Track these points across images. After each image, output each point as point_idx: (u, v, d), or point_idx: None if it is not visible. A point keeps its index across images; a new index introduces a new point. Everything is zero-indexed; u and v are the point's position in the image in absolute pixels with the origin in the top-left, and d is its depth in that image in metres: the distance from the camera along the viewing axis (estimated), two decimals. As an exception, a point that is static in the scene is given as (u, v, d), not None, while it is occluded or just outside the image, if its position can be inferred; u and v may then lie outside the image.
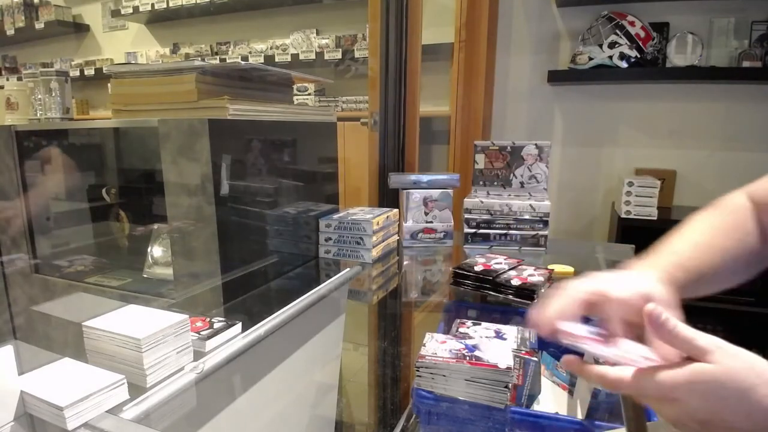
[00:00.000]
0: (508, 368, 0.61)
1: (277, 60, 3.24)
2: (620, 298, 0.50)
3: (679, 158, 2.31)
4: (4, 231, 1.37)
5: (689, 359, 0.42)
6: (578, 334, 0.49)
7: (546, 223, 1.40)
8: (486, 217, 1.44)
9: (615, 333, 0.50)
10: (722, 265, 0.59)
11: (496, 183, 1.51)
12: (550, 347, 0.89)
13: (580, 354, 0.50)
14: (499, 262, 1.13)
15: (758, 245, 0.61)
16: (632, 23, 2.13)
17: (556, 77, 2.36)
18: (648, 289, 0.50)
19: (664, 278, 0.54)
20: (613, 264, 1.36)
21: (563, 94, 2.48)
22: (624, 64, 2.15)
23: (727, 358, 0.40)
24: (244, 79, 1.16)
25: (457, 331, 0.82)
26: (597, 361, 0.49)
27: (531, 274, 1.05)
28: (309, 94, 3.18)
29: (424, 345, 0.66)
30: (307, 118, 1.32)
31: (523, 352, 0.73)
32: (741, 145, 2.21)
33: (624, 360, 0.45)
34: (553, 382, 0.81)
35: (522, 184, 1.50)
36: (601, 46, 2.17)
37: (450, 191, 1.50)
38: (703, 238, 0.61)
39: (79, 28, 4.16)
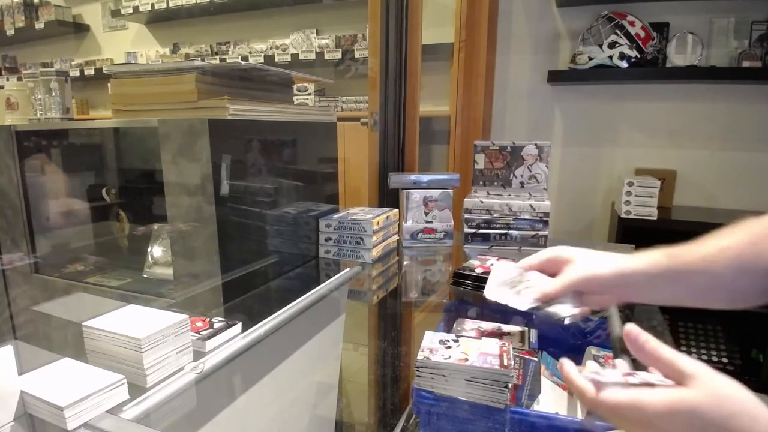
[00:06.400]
0: (507, 366, 0.61)
1: (277, 60, 3.24)
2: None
3: (679, 158, 2.31)
4: (4, 231, 1.37)
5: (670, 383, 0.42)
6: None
7: (546, 223, 1.40)
8: (486, 217, 1.44)
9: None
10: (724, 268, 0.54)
11: (496, 183, 1.51)
12: (550, 347, 0.88)
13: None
14: (494, 263, 1.13)
15: None
16: (632, 23, 2.13)
17: (556, 77, 2.36)
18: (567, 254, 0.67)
19: (641, 260, 0.59)
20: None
21: (563, 94, 2.48)
22: (624, 64, 2.15)
23: (708, 385, 0.40)
24: (244, 79, 1.16)
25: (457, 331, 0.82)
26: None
27: (531, 274, 1.05)
28: (309, 94, 3.18)
29: (422, 349, 0.66)
30: (307, 118, 1.32)
31: (523, 352, 0.73)
32: (741, 145, 2.21)
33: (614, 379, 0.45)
34: (553, 382, 0.81)
35: (522, 184, 1.50)
36: (601, 46, 2.17)
37: (450, 191, 1.50)
38: (716, 239, 0.56)
39: (79, 28, 4.16)
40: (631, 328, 0.44)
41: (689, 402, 0.40)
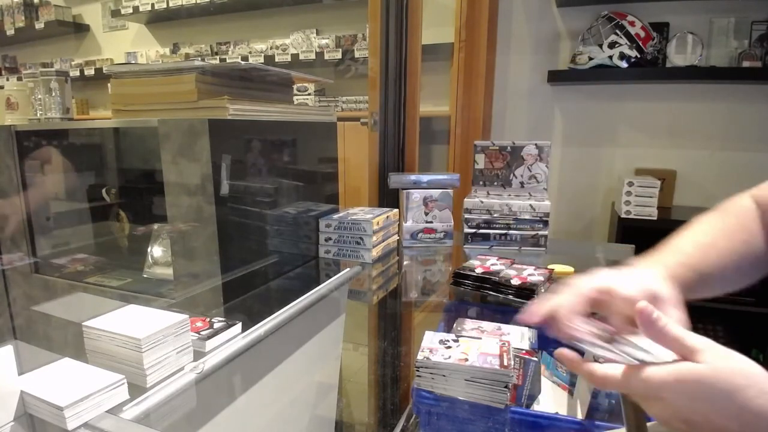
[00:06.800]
0: (507, 366, 0.61)
1: (277, 60, 3.24)
2: (626, 296, 0.49)
3: (679, 158, 2.31)
4: (4, 231, 1.37)
5: (680, 359, 0.42)
6: (580, 330, 0.50)
7: (546, 223, 1.40)
8: (486, 217, 1.44)
9: (618, 330, 0.50)
10: (727, 265, 0.59)
11: (496, 183, 1.51)
12: (550, 347, 0.89)
13: (580, 352, 0.50)
14: (494, 263, 1.13)
15: (764, 248, 0.61)
16: (632, 23, 2.13)
17: (556, 77, 2.36)
18: (654, 286, 0.50)
19: (669, 276, 0.54)
20: (613, 264, 1.35)
21: (563, 94, 2.48)
22: (624, 64, 2.15)
23: (716, 359, 0.40)
24: (244, 79, 1.16)
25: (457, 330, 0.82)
26: (596, 359, 0.49)
27: (531, 274, 1.05)
28: (309, 94, 3.18)
29: (422, 349, 0.66)
30: (307, 118, 1.32)
31: (523, 352, 0.73)
32: (741, 145, 2.21)
33: (618, 358, 0.46)
34: (553, 382, 0.81)
35: (522, 184, 1.50)
36: (601, 46, 2.17)
37: (450, 191, 1.50)
38: (706, 239, 0.61)
39: (79, 28, 4.16)
40: (645, 305, 0.43)
41: (695, 373, 0.40)
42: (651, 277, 0.53)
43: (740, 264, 0.59)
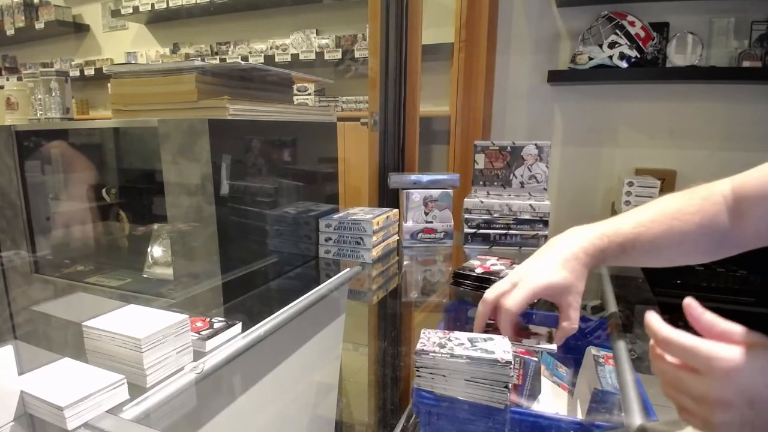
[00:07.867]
0: (508, 362, 0.61)
1: (277, 60, 3.24)
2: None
3: (679, 158, 2.31)
4: (4, 231, 1.37)
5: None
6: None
7: (546, 223, 1.40)
8: (486, 217, 1.44)
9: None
10: (669, 242, 0.67)
11: (496, 183, 1.51)
12: (550, 347, 0.88)
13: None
14: (494, 263, 1.13)
15: (722, 230, 0.66)
16: (632, 23, 2.13)
17: (556, 77, 2.36)
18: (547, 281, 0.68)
19: (578, 253, 0.70)
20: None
21: (563, 94, 2.48)
22: (624, 64, 2.15)
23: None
24: (244, 79, 1.16)
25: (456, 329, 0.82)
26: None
27: (531, 274, 1.05)
28: (309, 94, 3.18)
29: (423, 349, 0.66)
30: (307, 118, 1.32)
31: (523, 352, 0.73)
32: (741, 145, 2.21)
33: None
34: (553, 382, 0.81)
35: (522, 184, 1.50)
36: (601, 46, 2.17)
37: (450, 191, 1.50)
38: (647, 214, 0.70)
39: (79, 28, 4.16)
40: (690, 301, 0.47)
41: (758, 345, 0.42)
42: (545, 273, 0.70)
43: (681, 240, 0.67)
